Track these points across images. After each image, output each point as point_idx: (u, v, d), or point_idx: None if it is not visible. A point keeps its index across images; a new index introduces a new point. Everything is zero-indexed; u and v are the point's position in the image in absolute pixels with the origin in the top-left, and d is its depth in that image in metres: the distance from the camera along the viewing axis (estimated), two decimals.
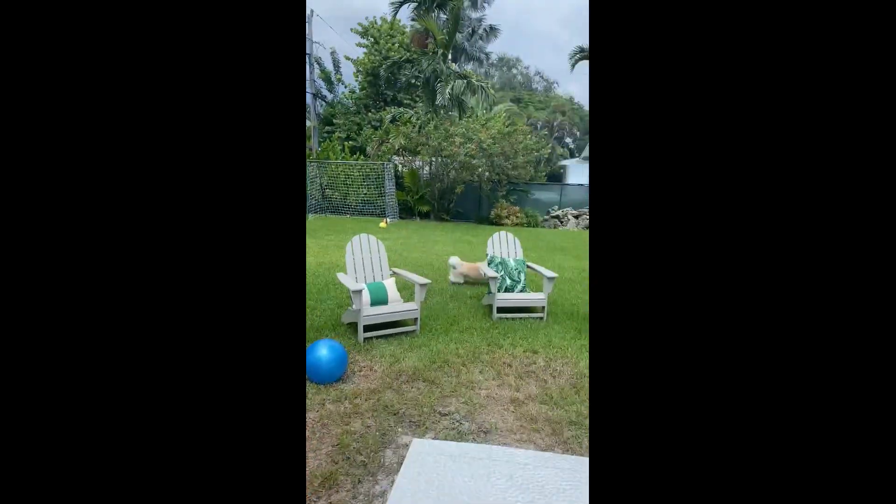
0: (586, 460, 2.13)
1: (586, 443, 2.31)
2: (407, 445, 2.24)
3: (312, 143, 15.43)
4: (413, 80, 15.33)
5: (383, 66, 16.25)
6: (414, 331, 3.76)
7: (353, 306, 3.54)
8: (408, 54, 16.14)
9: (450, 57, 15.12)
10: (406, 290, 4.79)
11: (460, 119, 13.03)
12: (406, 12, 15.94)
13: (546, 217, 13.29)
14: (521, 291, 4.42)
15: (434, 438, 2.32)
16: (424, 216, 13.07)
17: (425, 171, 13.60)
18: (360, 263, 4.05)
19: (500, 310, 4.23)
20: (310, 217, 12.54)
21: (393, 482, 1.95)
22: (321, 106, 18.47)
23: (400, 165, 13.73)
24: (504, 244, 4.90)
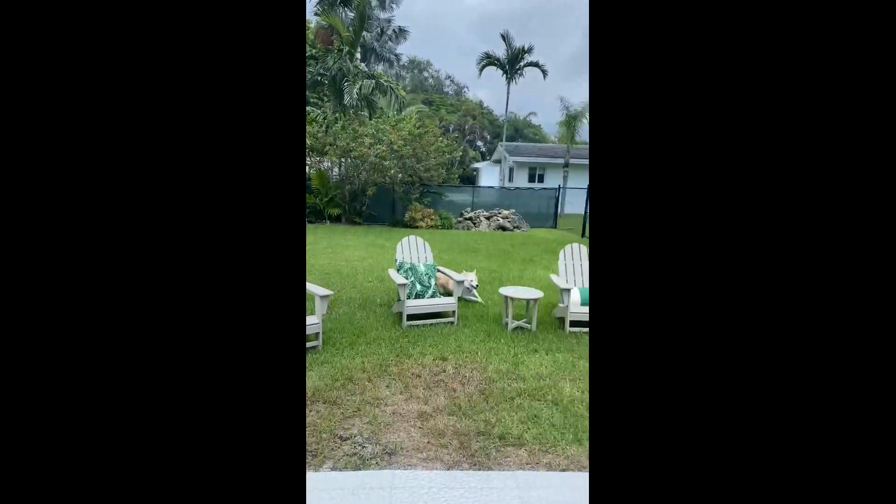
0: (493, 474, 2.06)
1: (494, 454, 2.25)
2: None
3: None
4: (319, 78, 14.65)
5: None
6: (316, 346, 3.47)
7: None
8: (313, 51, 15.39)
9: (358, 56, 14.69)
10: (308, 301, 4.44)
11: (370, 119, 12.70)
12: (309, 6, 15.20)
13: (460, 219, 13.45)
14: (431, 297, 4.32)
15: (332, 469, 2.10)
16: (335, 220, 12.50)
17: (335, 173, 13.04)
18: None
19: (410, 317, 4.09)
20: None
21: None
22: None
23: (307, 166, 13.01)
24: (413, 249, 4.78)
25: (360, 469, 2.11)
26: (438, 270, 4.61)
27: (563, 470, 2.14)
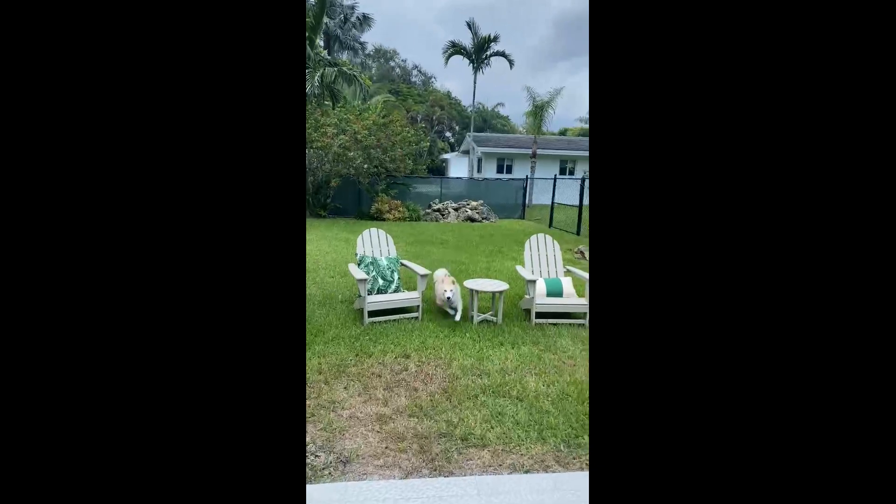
0: (453, 480, 1.94)
1: (456, 457, 2.14)
2: None
3: None
4: None
5: None
6: None
7: None
8: None
9: (320, 43, 14.18)
10: None
11: (333, 109, 12.29)
12: None
13: (428, 210, 13.26)
14: (395, 291, 4.16)
15: None
16: None
17: None
18: None
19: (372, 313, 3.92)
20: None
21: None
22: None
23: None
24: (375, 242, 4.59)
25: (310, 482, 1.95)
26: (403, 265, 4.46)
27: (527, 471, 2.05)
